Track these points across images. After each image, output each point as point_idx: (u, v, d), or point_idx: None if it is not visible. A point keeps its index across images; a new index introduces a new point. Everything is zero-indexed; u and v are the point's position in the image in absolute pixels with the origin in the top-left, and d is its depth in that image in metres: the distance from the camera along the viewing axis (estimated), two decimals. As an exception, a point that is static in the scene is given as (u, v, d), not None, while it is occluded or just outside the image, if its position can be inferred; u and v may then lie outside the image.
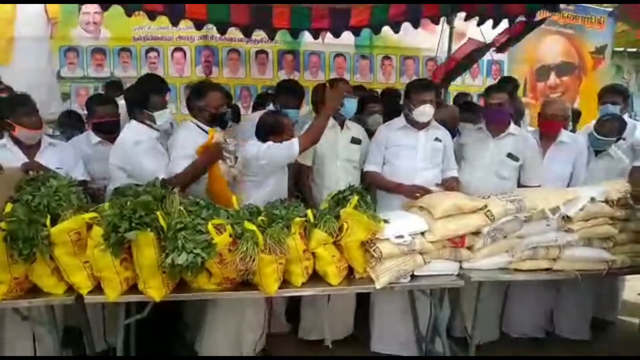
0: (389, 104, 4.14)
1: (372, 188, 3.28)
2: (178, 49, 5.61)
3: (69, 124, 3.98)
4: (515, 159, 3.28)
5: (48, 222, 2.24)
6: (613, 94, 3.89)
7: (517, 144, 3.28)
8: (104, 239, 2.20)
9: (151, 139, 2.90)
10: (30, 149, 2.90)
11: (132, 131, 2.92)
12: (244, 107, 5.51)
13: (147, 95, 2.96)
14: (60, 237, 2.24)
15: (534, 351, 3.40)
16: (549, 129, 3.43)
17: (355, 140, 3.44)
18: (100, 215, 2.29)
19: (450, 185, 3.14)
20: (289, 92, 3.65)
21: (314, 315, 3.28)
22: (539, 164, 3.35)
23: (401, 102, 4.58)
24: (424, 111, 3.12)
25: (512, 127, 3.32)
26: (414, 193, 3.04)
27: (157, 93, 3.03)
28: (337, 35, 4.76)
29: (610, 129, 3.45)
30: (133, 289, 2.35)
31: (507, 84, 3.76)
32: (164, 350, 3.09)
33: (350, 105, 3.38)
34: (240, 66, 5.76)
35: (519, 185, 3.31)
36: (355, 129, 3.49)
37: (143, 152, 2.82)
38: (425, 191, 3.03)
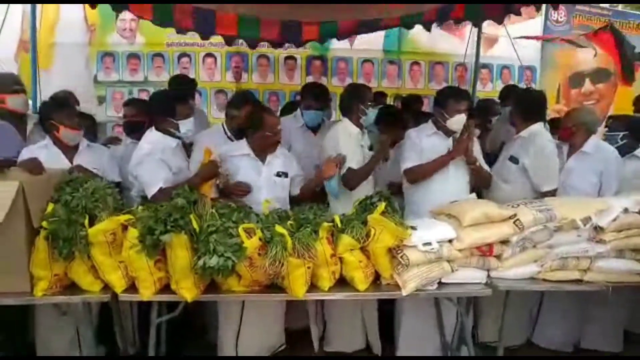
0: (411, 111, 4.12)
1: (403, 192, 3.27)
2: (209, 54, 5.74)
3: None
4: (515, 161, 3.26)
5: (86, 222, 2.34)
6: None
7: (521, 147, 3.27)
8: (139, 241, 2.28)
9: (166, 149, 2.93)
10: (69, 151, 3.02)
11: (148, 140, 2.97)
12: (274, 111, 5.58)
13: (172, 103, 3.03)
14: (97, 238, 2.33)
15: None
16: (566, 138, 3.38)
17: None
18: (135, 217, 2.38)
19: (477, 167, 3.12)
20: (312, 94, 3.69)
21: (339, 325, 3.27)
22: (546, 167, 3.22)
23: (423, 107, 4.63)
24: (459, 120, 3.10)
25: (526, 130, 3.28)
26: (463, 146, 3.03)
27: (182, 102, 3.09)
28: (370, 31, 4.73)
29: (616, 124, 3.46)
30: (165, 288, 2.42)
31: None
32: (188, 349, 3.16)
33: (372, 115, 3.32)
34: (269, 72, 5.85)
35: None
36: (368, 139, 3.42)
37: (147, 163, 2.86)
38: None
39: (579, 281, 2.76)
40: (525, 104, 3.38)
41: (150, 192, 2.78)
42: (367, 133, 3.41)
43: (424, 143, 3.20)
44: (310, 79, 5.84)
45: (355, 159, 3.15)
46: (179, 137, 3.03)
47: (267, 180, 3.00)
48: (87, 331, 2.70)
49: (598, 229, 2.74)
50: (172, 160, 2.93)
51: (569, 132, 3.38)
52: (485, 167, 3.25)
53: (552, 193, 3.19)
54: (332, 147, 3.18)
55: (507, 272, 2.72)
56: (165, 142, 2.96)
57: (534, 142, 3.23)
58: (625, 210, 2.78)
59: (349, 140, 3.19)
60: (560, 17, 6.23)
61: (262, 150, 3.01)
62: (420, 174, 3.18)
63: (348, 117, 3.31)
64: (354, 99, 3.30)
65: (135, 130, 3.40)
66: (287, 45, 5.59)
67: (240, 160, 2.98)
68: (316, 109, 3.68)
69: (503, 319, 2.84)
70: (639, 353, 3.44)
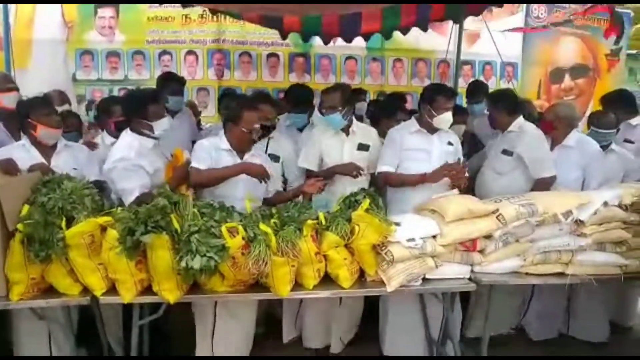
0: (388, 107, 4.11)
1: (386, 188, 3.27)
2: (190, 52, 5.66)
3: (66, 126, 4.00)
4: (509, 153, 3.32)
5: (63, 224, 2.28)
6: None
7: (514, 140, 3.33)
8: (119, 242, 2.23)
9: (142, 150, 2.85)
10: (46, 151, 2.93)
11: (122, 143, 2.88)
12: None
13: (143, 104, 2.93)
14: (74, 240, 2.28)
15: (550, 352, 3.38)
16: (548, 132, 3.42)
17: (363, 147, 3.31)
18: (114, 218, 2.33)
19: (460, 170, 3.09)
20: (297, 96, 3.72)
21: (319, 322, 3.26)
22: (541, 156, 3.29)
23: (403, 103, 4.64)
24: (446, 118, 3.12)
25: (514, 124, 3.34)
26: (440, 175, 3.03)
27: (154, 102, 2.99)
28: (349, 40, 4.79)
29: (609, 121, 3.48)
30: (147, 290, 2.38)
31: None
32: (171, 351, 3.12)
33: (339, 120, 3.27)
34: (251, 69, 5.80)
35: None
36: (362, 133, 3.36)
37: (121, 169, 2.77)
38: (450, 170, 3.02)
39: (561, 274, 2.79)
40: (506, 101, 3.43)
41: (127, 200, 2.72)
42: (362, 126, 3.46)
43: (406, 141, 3.19)
44: (293, 76, 5.81)
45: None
46: (154, 138, 2.97)
47: (245, 177, 2.93)
48: (67, 335, 2.64)
49: (579, 222, 2.78)
50: (148, 162, 2.86)
51: (550, 126, 3.42)
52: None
53: (553, 179, 3.24)
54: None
55: (490, 266, 2.74)
56: (141, 143, 2.90)
57: (526, 133, 3.31)
58: (605, 204, 2.82)
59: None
60: (541, 14, 6.30)
61: (239, 146, 2.96)
62: (393, 183, 3.23)
63: None
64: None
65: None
66: (269, 42, 5.61)
67: (220, 155, 2.94)
68: (301, 112, 3.69)
69: (487, 314, 2.86)
70: (624, 344, 3.50)
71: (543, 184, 3.21)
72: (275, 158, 3.30)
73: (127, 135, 2.92)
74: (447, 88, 3.36)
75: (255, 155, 3.03)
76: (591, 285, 2.79)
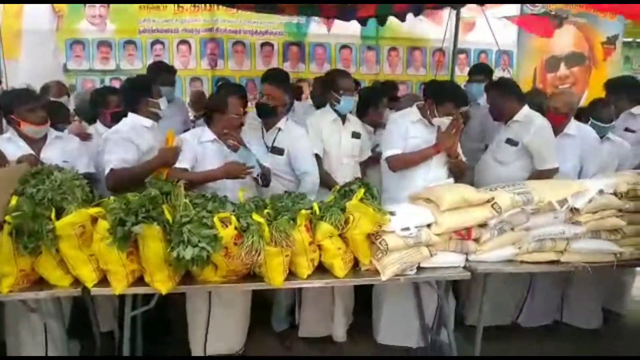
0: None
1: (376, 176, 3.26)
2: (183, 41, 5.60)
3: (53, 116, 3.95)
4: (514, 143, 3.27)
5: (53, 215, 2.24)
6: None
7: (519, 129, 3.26)
8: (110, 233, 2.20)
9: (137, 127, 2.86)
10: (36, 142, 2.89)
11: (122, 122, 2.91)
12: (250, 99, 5.49)
13: (147, 84, 2.99)
14: (65, 231, 2.25)
15: (544, 339, 3.40)
16: (552, 122, 3.36)
17: (356, 135, 3.43)
18: (105, 209, 2.29)
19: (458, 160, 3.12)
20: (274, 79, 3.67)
21: (315, 312, 3.26)
22: (548, 147, 3.24)
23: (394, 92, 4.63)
24: (446, 122, 3.05)
25: (520, 114, 3.28)
26: (449, 136, 3.00)
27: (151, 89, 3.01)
28: (346, 20, 4.82)
29: (610, 113, 3.46)
30: (139, 281, 2.36)
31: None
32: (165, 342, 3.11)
33: (347, 103, 3.34)
34: (245, 58, 5.74)
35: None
36: (355, 123, 3.47)
37: (110, 141, 2.80)
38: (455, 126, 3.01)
39: (556, 262, 2.79)
40: (515, 88, 3.39)
41: (105, 172, 2.71)
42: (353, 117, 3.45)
43: (409, 130, 3.14)
44: (287, 65, 5.76)
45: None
46: (158, 116, 2.95)
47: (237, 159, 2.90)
48: (58, 327, 2.62)
49: (574, 210, 2.77)
50: (142, 139, 2.84)
51: (560, 116, 3.36)
52: (463, 157, 3.23)
53: (555, 171, 3.22)
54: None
55: (485, 255, 2.73)
56: (138, 121, 2.89)
57: (533, 122, 3.23)
58: (601, 192, 2.81)
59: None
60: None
61: (226, 134, 2.92)
62: (405, 163, 3.14)
63: (323, 105, 3.37)
64: (327, 87, 3.33)
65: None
66: (263, 31, 5.54)
67: (206, 147, 2.91)
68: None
69: (482, 301, 2.86)
70: (618, 331, 3.51)
71: (544, 175, 3.18)
72: (279, 151, 3.20)
73: (127, 118, 2.92)
74: (462, 95, 3.24)
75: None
76: (585, 273, 2.79)
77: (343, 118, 3.40)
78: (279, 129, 3.17)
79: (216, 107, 2.94)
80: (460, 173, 3.20)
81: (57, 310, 2.59)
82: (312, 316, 3.27)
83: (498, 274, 2.80)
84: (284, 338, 3.34)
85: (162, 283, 2.29)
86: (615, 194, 2.85)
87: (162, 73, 3.96)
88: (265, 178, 2.98)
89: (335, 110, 3.35)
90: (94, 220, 2.30)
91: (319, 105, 3.68)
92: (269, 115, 3.16)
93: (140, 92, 2.95)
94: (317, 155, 3.25)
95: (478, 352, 2.83)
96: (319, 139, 3.30)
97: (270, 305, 3.37)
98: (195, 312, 2.90)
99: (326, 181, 3.19)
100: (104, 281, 2.34)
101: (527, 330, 3.49)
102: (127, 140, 2.79)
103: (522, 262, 2.78)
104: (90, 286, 2.33)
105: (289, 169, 3.16)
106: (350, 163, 3.40)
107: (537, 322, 3.52)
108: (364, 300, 3.28)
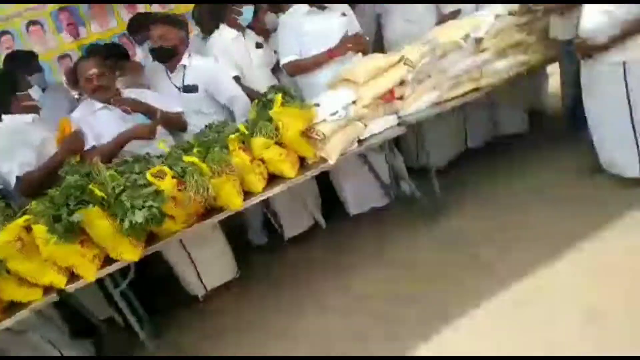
0: None
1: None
2: (32, 22, 4.96)
3: None
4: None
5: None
6: None
7: None
8: (50, 233, 2.10)
9: (19, 127, 2.60)
10: None
11: (1, 130, 2.61)
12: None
13: (15, 77, 2.70)
14: (4, 251, 2.12)
15: (489, 154, 3.67)
16: None
17: (259, 45, 3.32)
18: (33, 214, 2.17)
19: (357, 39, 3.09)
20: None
21: (292, 211, 3.33)
22: None
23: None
24: None
25: None
26: (345, 48, 3.00)
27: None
28: None
29: None
30: (108, 261, 2.32)
31: None
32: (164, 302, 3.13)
33: (248, 12, 3.20)
34: (108, 16, 5.21)
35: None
36: (251, 34, 3.34)
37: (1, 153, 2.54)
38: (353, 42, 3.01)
39: (477, 90, 2.97)
40: None
41: (12, 184, 2.52)
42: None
43: (303, 26, 3.01)
44: (156, 7, 5.27)
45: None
46: (36, 110, 2.70)
47: (135, 120, 2.76)
48: (59, 336, 2.63)
49: (478, 40, 2.91)
50: (30, 135, 2.60)
51: None
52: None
53: (458, 12, 3.33)
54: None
55: (413, 106, 2.87)
56: (16, 121, 2.62)
57: None
58: (497, 17, 2.95)
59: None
60: None
61: (115, 101, 2.74)
62: (301, 69, 3.09)
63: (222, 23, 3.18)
64: (219, 6, 3.17)
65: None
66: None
67: (100, 116, 2.74)
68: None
69: (423, 147, 3.07)
70: (539, 129, 3.81)
71: (448, 18, 3.28)
72: (192, 88, 3.01)
73: (2, 122, 2.63)
74: None
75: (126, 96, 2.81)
76: (506, 88, 3.00)
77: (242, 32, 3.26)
78: (184, 66, 3.00)
79: (72, 79, 2.76)
80: (364, 53, 3.19)
81: (47, 321, 2.56)
82: (291, 216, 3.35)
83: (432, 119, 2.95)
84: (272, 247, 3.44)
85: (128, 253, 2.27)
86: (510, 13, 3.00)
87: (21, 62, 3.53)
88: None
89: (234, 26, 3.18)
90: (28, 229, 2.17)
91: (210, 30, 3.45)
92: (168, 57, 2.97)
93: (4, 90, 2.64)
94: (236, 78, 3.12)
95: (437, 188, 3.06)
96: (231, 61, 3.14)
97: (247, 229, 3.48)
98: (177, 263, 2.92)
99: (251, 96, 3.07)
100: (74, 277, 2.29)
101: (473, 150, 3.73)
102: (16, 144, 2.55)
103: (446, 101, 2.93)
104: (62, 286, 2.26)
105: (211, 103, 3.03)
106: (264, 73, 3.31)
107: (479, 143, 3.76)
108: (329, 191, 3.41)
